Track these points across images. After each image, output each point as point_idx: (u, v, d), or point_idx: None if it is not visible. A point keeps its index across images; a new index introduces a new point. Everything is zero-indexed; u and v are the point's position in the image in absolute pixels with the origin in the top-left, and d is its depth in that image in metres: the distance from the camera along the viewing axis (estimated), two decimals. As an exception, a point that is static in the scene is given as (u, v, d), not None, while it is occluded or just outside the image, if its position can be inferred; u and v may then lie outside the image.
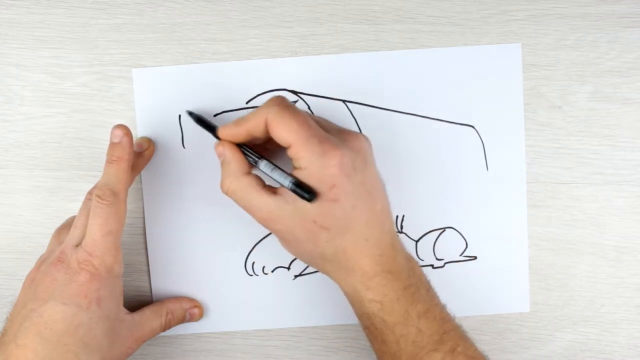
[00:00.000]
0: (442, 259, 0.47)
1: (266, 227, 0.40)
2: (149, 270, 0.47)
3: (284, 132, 0.38)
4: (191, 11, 0.46)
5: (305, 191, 0.37)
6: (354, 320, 0.47)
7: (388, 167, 0.46)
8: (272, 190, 0.39)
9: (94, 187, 0.42)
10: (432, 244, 0.47)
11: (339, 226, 0.38)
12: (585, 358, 0.48)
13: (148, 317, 0.44)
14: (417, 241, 0.47)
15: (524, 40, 0.46)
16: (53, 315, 0.38)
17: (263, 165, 0.40)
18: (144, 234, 0.47)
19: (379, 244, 0.39)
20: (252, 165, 0.41)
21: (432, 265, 0.47)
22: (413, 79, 0.46)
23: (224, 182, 0.40)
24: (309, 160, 0.37)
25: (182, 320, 0.46)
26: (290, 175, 0.38)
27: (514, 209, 0.47)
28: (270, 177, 0.39)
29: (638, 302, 0.47)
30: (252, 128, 0.39)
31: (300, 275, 0.48)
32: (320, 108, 0.46)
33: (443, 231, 0.47)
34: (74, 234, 0.41)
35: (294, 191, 0.38)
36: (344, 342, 0.48)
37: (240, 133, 0.40)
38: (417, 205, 0.47)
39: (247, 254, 0.47)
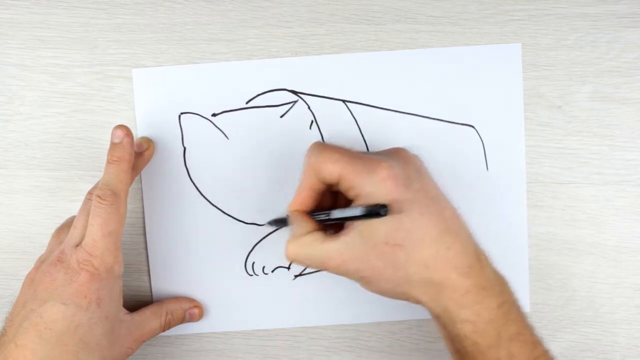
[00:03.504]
0: (442, 259, 0.47)
1: (344, 273, 0.38)
2: (149, 270, 0.47)
3: (330, 165, 0.37)
4: (191, 11, 0.46)
5: (376, 209, 0.35)
6: (354, 320, 0.47)
7: (388, 167, 0.47)
8: (335, 236, 0.38)
9: (94, 187, 0.42)
10: (432, 244, 0.47)
11: (413, 239, 0.36)
12: (585, 358, 0.48)
13: (148, 317, 0.44)
14: (417, 241, 0.47)
15: (524, 40, 0.46)
16: (52, 315, 0.38)
17: (335, 213, 0.38)
18: (144, 234, 0.47)
19: (464, 254, 0.37)
20: (320, 224, 0.39)
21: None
22: (413, 79, 0.46)
23: (288, 248, 0.39)
24: (360, 183, 0.36)
25: (182, 320, 0.46)
26: (358, 203, 0.37)
27: (514, 209, 0.47)
28: (345, 218, 0.37)
29: (638, 302, 0.47)
30: (308, 185, 0.39)
31: (300, 275, 0.48)
32: (320, 108, 0.46)
33: (443, 231, 0.47)
34: (73, 234, 0.41)
35: (367, 215, 0.35)
36: (344, 342, 0.48)
37: (303, 196, 0.39)
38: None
39: (247, 254, 0.47)
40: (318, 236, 0.38)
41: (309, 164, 0.39)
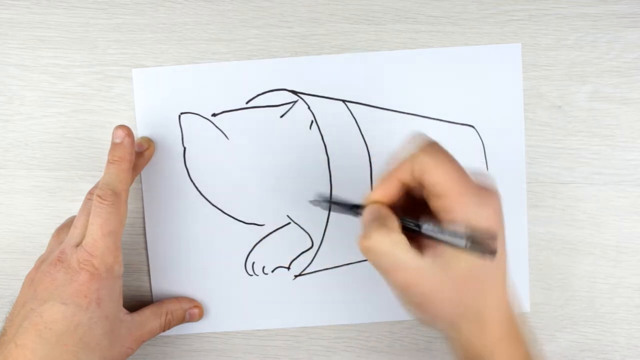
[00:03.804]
0: (442, 259, 0.47)
1: (405, 290, 0.35)
2: (149, 270, 0.47)
3: (441, 179, 0.34)
4: (191, 11, 0.46)
5: (487, 249, 0.32)
6: (354, 320, 0.47)
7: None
8: (420, 250, 0.35)
9: (95, 187, 0.42)
10: (432, 244, 0.47)
11: (489, 280, 0.35)
12: (585, 358, 0.48)
13: (148, 318, 0.44)
14: (417, 241, 0.47)
15: (524, 40, 0.46)
16: (52, 315, 0.38)
17: (428, 227, 0.34)
18: (144, 234, 0.47)
19: (511, 303, 0.36)
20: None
21: (432, 265, 0.47)
22: (413, 79, 0.46)
23: (370, 237, 0.34)
24: (466, 212, 0.33)
25: (182, 320, 0.46)
26: (463, 232, 0.32)
27: (514, 209, 0.47)
28: (440, 239, 0.33)
29: (638, 302, 0.47)
30: (401, 177, 0.35)
31: (300, 275, 0.48)
32: (320, 108, 0.46)
33: (443, 231, 0.47)
34: (73, 234, 0.41)
35: (472, 250, 0.32)
36: (344, 342, 0.48)
37: (391, 186, 0.36)
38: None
39: (247, 254, 0.47)
40: (404, 242, 0.34)
41: (414, 158, 0.35)
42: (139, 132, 0.46)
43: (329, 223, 0.47)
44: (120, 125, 0.42)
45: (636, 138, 0.46)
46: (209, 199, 0.47)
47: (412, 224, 0.35)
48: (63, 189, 0.47)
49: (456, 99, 0.46)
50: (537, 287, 0.47)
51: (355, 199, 0.46)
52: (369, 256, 0.35)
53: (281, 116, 0.46)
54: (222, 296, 0.47)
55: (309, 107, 0.46)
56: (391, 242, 0.34)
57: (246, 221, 0.47)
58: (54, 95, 0.47)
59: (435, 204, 0.35)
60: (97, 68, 0.46)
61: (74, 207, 0.47)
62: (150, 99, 0.46)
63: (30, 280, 0.40)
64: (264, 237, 0.47)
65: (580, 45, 0.46)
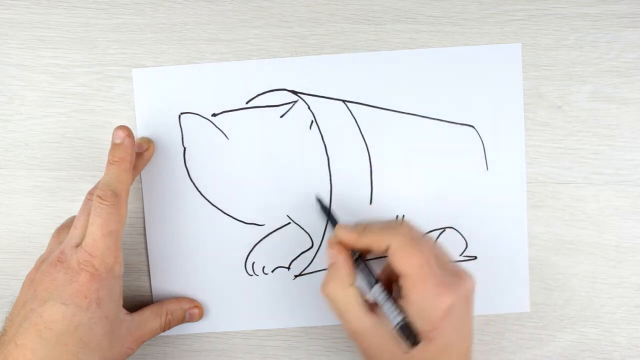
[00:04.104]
0: (442, 259, 0.47)
1: (352, 339, 0.40)
2: (149, 270, 0.47)
3: (406, 264, 0.38)
4: (191, 11, 0.46)
5: (412, 335, 0.37)
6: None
7: (388, 167, 0.46)
8: (370, 307, 0.39)
9: (95, 188, 0.42)
10: (432, 244, 0.47)
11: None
12: (585, 358, 0.48)
13: (148, 318, 0.44)
14: (417, 241, 0.47)
15: (524, 40, 0.46)
16: (52, 315, 0.38)
17: (377, 290, 0.39)
18: (144, 234, 0.47)
19: None
20: (361, 281, 0.40)
21: (432, 265, 0.47)
22: (413, 79, 0.46)
23: (327, 285, 0.40)
24: (420, 297, 0.37)
25: (182, 320, 0.46)
26: (402, 313, 0.37)
27: (514, 209, 0.47)
28: (380, 304, 0.38)
29: (638, 302, 0.47)
30: (370, 244, 0.39)
31: (300, 275, 0.48)
32: (320, 108, 0.46)
33: (443, 231, 0.47)
34: (73, 234, 0.41)
35: (400, 331, 0.37)
36: (344, 342, 0.48)
37: (357, 243, 0.40)
38: (417, 205, 0.47)
39: (247, 254, 0.47)
40: (357, 297, 0.39)
41: (389, 239, 0.38)
42: (139, 132, 0.46)
43: (329, 223, 0.47)
44: (121, 126, 0.42)
45: (636, 138, 0.46)
46: (209, 199, 0.47)
47: (366, 280, 0.39)
48: (63, 189, 0.47)
49: (456, 99, 0.46)
50: (537, 287, 0.47)
51: (355, 199, 0.47)
52: (325, 299, 0.40)
53: (281, 116, 0.46)
54: (222, 296, 0.47)
55: (309, 107, 0.46)
56: (343, 294, 0.39)
57: (246, 221, 0.47)
58: (54, 95, 0.47)
59: (400, 279, 0.38)
60: (97, 68, 0.46)
61: (74, 207, 0.47)
62: (150, 99, 0.46)
63: (30, 281, 0.40)
64: (264, 237, 0.47)
65: (580, 45, 0.46)
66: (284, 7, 0.46)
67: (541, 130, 0.47)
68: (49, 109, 0.47)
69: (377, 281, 0.39)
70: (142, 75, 0.46)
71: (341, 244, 0.41)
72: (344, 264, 0.40)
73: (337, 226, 0.41)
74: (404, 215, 0.47)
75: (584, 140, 0.47)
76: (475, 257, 0.47)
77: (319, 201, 0.45)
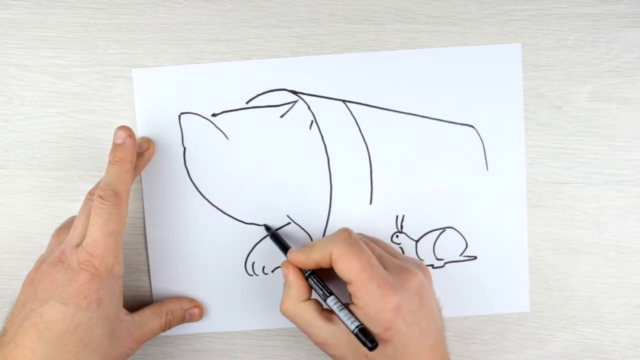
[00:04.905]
0: (442, 259, 0.47)
1: (321, 349, 0.41)
2: (149, 270, 0.47)
3: (346, 270, 0.39)
4: (191, 11, 0.46)
5: (369, 339, 0.38)
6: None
7: (388, 167, 0.46)
8: (328, 316, 0.41)
9: (96, 187, 0.42)
10: (432, 244, 0.47)
11: None
12: (585, 358, 0.48)
13: (148, 318, 0.44)
14: (417, 241, 0.47)
15: (524, 40, 0.46)
16: (52, 315, 0.38)
17: (331, 301, 0.40)
18: (144, 234, 0.47)
19: None
20: (316, 294, 0.42)
21: (432, 265, 0.47)
22: (413, 79, 0.46)
23: (283, 303, 0.42)
24: (367, 301, 0.38)
25: (182, 320, 0.46)
26: (356, 319, 0.39)
27: (514, 209, 0.47)
28: (336, 314, 0.40)
29: (638, 302, 0.47)
30: (319, 259, 0.40)
31: (300, 275, 0.48)
32: (320, 108, 0.46)
33: (443, 231, 0.47)
34: (74, 234, 0.41)
35: (357, 336, 0.38)
36: (344, 342, 0.48)
37: (307, 262, 0.41)
38: (417, 205, 0.47)
39: (247, 254, 0.47)
40: (313, 309, 0.41)
41: (329, 249, 0.40)
42: (139, 132, 0.46)
43: (329, 223, 0.47)
44: (122, 126, 0.42)
45: (636, 138, 0.46)
46: (209, 199, 0.47)
47: (321, 292, 0.41)
48: (63, 189, 0.47)
49: (456, 99, 0.46)
50: (537, 287, 0.47)
51: (355, 199, 0.47)
52: (288, 318, 0.42)
53: (281, 116, 0.46)
54: (222, 296, 0.47)
55: (309, 107, 0.46)
56: (298, 309, 0.41)
57: (246, 221, 0.47)
58: (54, 95, 0.47)
59: (347, 287, 0.40)
60: (97, 68, 0.46)
61: (74, 207, 0.47)
62: (150, 99, 0.46)
63: (30, 281, 0.40)
64: (264, 237, 0.47)
65: (580, 45, 0.46)
66: (284, 7, 0.46)
67: (541, 130, 0.47)
68: (49, 109, 0.47)
69: (330, 293, 0.41)
70: (142, 75, 0.46)
71: (291, 266, 0.42)
72: (294, 281, 0.42)
73: (288, 251, 0.43)
74: (404, 216, 0.47)
75: (584, 140, 0.47)
76: (475, 257, 0.47)
77: (269, 231, 0.46)
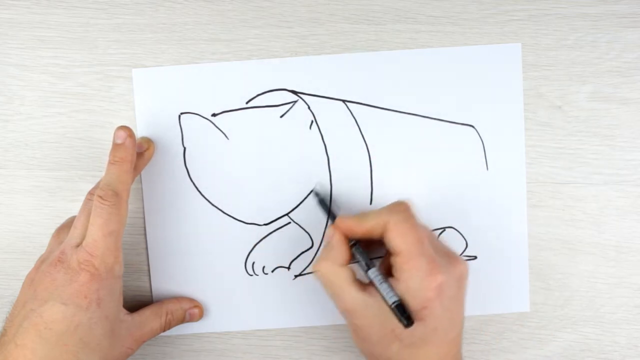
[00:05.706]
0: (442, 259, 0.47)
1: (344, 317, 0.41)
2: (149, 270, 0.47)
3: (399, 240, 0.38)
4: (191, 11, 0.46)
5: (405, 316, 0.37)
6: (354, 320, 0.47)
7: (388, 167, 0.47)
8: (361, 285, 0.40)
9: (96, 187, 0.42)
10: (432, 244, 0.47)
11: (414, 343, 0.38)
12: (585, 358, 0.48)
13: (148, 318, 0.44)
14: (417, 241, 0.47)
15: (524, 40, 0.46)
16: (52, 315, 0.38)
17: (372, 272, 0.39)
18: (144, 234, 0.47)
19: None
20: (357, 264, 0.41)
21: (432, 265, 0.47)
22: (413, 79, 0.46)
23: (320, 264, 0.40)
24: (412, 275, 0.38)
25: (182, 320, 0.46)
26: (396, 294, 0.38)
27: (514, 209, 0.47)
28: (376, 287, 0.39)
29: (638, 302, 0.47)
30: (371, 227, 0.40)
31: (300, 275, 0.48)
32: (320, 108, 0.46)
33: (443, 231, 0.47)
34: (73, 234, 0.41)
35: (394, 311, 0.38)
36: (345, 342, 0.48)
37: (358, 229, 0.40)
38: (417, 205, 0.47)
39: (247, 254, 0.47)
40: (348, 276, 0.40)
41: (386, 218, 0.39)
42: (139, 132, 0.46)
43: (329, 223, 0.47)
44: (122, 126, 0.42)
45: (636, 138, 0.46)
46: (209, 199, 0.47)
47: (363, 262, 0.40)
48: (63, 189, 0.47)
49: (456, 99, 0.46)
50: (537, 287, 0.47)
51: (356, 199, 0.47)
52: (317, 279, 0.41)
53: (281, 116, 0.46)
54: (222, 296, 0.47)
55: (309, 107, 0.46)
56: (334, 273, 0.40)
57: (246, 221, 0.47)
58: (54, 95, 0.47)
59: (392, 258, 0.39)
60: (97, 68, 0.46)
61: (74, 207, 0.47)
62: (150, 99, 0.46)
63: (30, 281, 0.40)
64: (264, 237, 0.47)
65: (580, 45, 0.46)
66: (284, 7, 0.46)
67: (541, 130, 0.47)
68: (49, 109, 0.47)
69: (373, 265, 0.40)
70: (142, 75, 0.46)
71: (338, 229, 0.41)
72: (338, 244, 0.40)
73: (338, 216, 0.42)
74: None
75: (584, 140, 0.47)
76: (475, 257, 0.47)
77: (317, 196, 0.45)
